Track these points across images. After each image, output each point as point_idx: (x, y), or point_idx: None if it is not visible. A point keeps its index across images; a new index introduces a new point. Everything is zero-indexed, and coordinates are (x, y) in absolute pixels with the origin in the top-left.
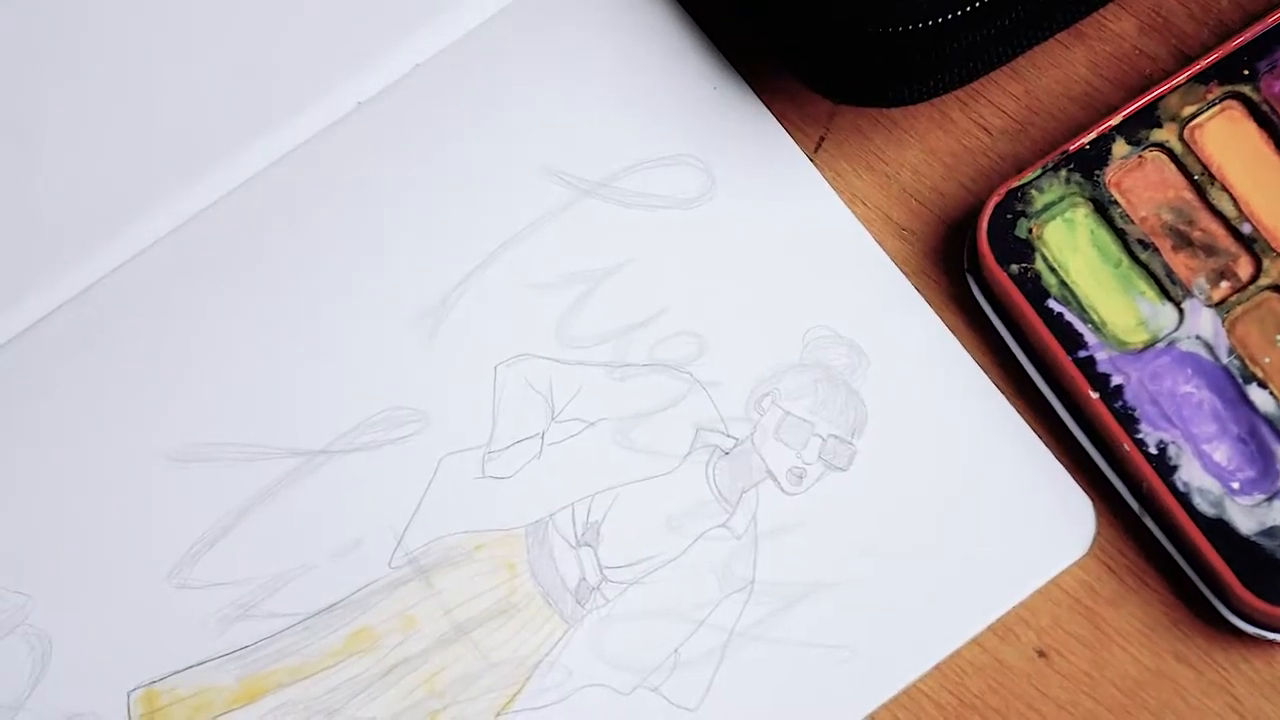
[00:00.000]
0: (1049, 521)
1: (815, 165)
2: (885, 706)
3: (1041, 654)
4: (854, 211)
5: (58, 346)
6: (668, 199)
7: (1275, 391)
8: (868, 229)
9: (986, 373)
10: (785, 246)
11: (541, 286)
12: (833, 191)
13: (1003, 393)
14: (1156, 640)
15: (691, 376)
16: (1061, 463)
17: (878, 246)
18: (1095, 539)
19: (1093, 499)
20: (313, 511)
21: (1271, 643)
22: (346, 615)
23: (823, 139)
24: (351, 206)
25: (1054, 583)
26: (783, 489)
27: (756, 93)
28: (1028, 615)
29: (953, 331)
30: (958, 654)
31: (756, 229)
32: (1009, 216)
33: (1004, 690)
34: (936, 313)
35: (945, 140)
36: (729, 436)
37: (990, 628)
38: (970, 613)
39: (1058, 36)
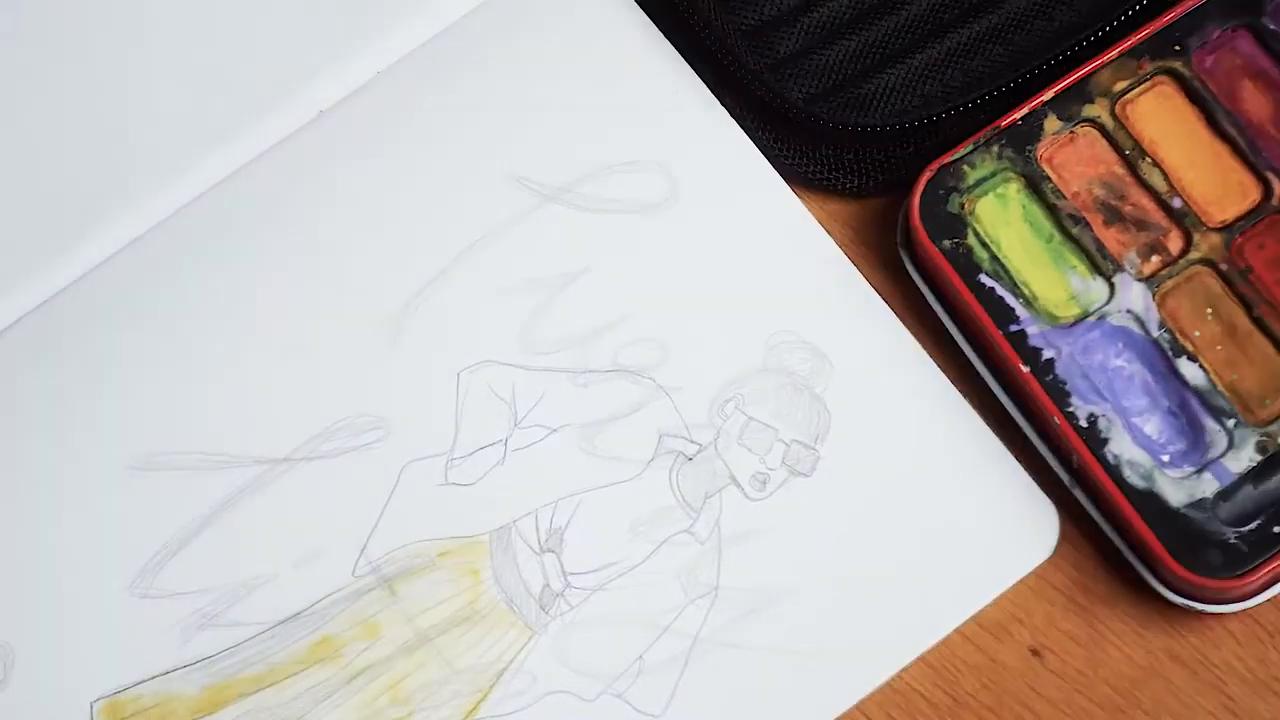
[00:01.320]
0: (1012, 527)
1: (777, 169)
2: (879, 705)
3: (1035, 652)
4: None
5: (17, 356)
6: (630, 204)
7: (1205, 365)
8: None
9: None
10: (748, 251)
11: (504, 292)
12: (794, 196)
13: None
14: (1150, 639)
15: (654, 382)
16: (1020, 461)
17: (840, 251)
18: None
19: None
20: (275, 520)
21: (1263, 641)
22: (310, 624)
23: None
24: (313, 213)
25: (1047, 581)
26: (746, 494)
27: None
28: (1022, 614)
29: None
30: (952, 652)
31: (718, 233)
32: (941, 192)
33: (998, 688)
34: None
35: None
36: (692, 442)
37: (984, 626)
38: (934, 618)
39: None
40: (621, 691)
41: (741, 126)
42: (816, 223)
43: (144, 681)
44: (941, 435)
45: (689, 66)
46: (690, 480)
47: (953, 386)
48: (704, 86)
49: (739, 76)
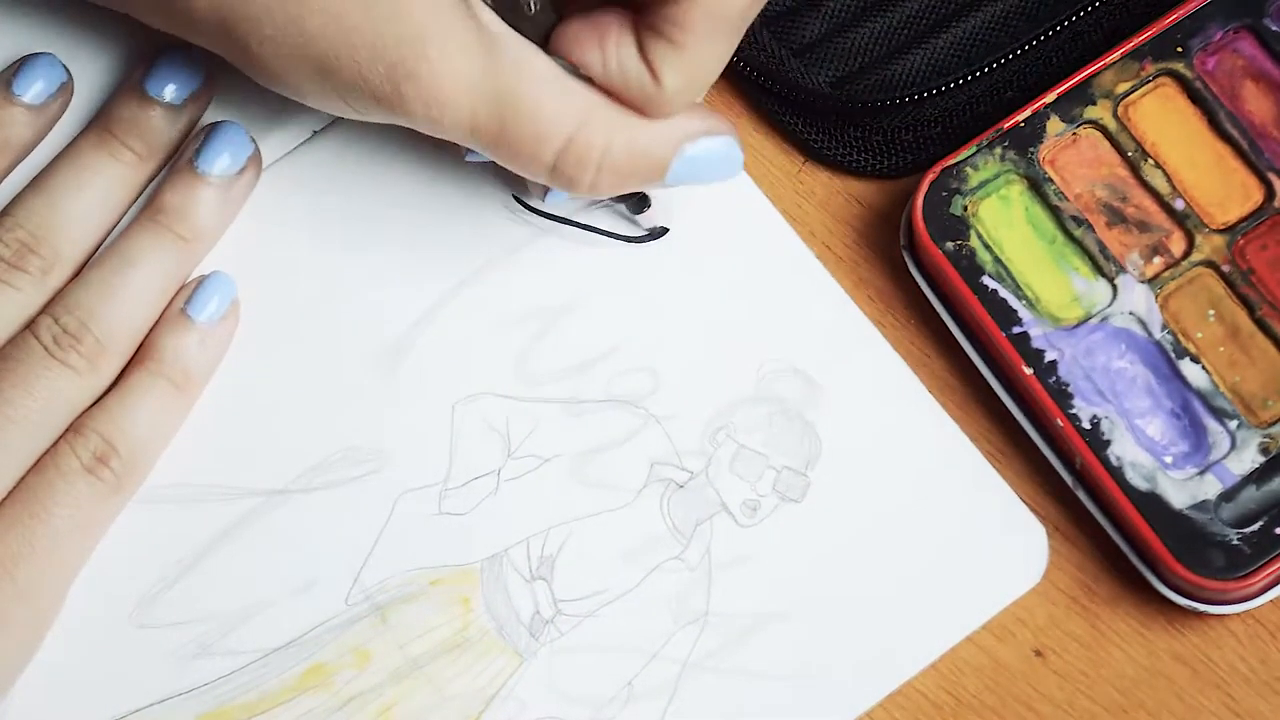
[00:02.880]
0: (1001, 552)
1: (768, 198)
2: (882, 705)
3: (1038, 653)
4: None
5: None
6: (624, 235)
7: (1208, 366)
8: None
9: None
10: (740, 280)
11: (499, 324)
12: (787, 225)
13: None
14: (1153, 639)
15: (646, 411)
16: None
17: (832, 278)
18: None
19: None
20: (272, 550)
21: (1265, 641)
22: (302, 652)
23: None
24: (309, 244)
25: (1050, 582)
26: (737, 521)
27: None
28: (1024, 615)
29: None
30: (954, 653)
31: (711, 263)
32: (944, 194)
33: (1001, 690)
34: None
35: None
36: (683, 470)
37: (987, 627)
38: (923, 643)
39: None
40: (610, 718)
41: (769, 112)
42: (808, 249)
43: (141, 710)
44: (931, 461)
45: None
46: (681, 508)
47: (944, 412)
48: None
49: (765, 63)
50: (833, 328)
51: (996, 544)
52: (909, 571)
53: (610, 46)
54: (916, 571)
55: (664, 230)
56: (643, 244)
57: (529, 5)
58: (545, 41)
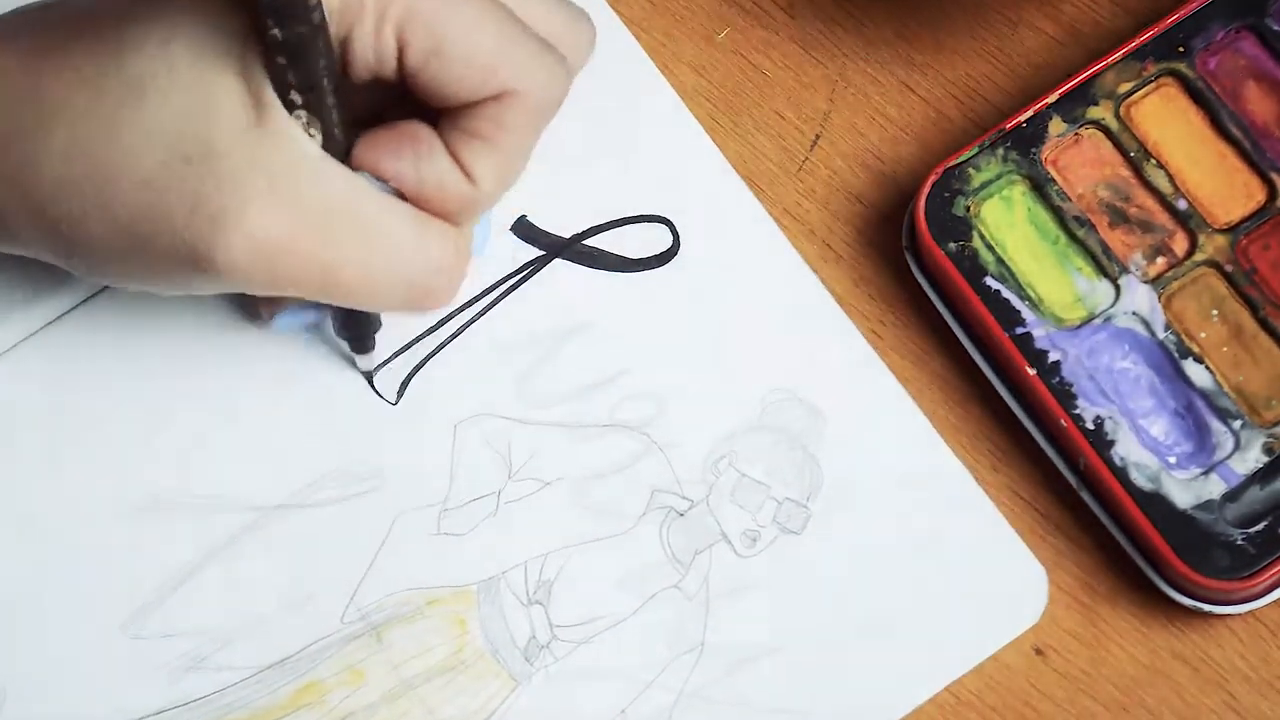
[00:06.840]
0: (1001, 590)
1: (779, 223)
2: None
3: (1039, 652)
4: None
5: (11, 399)
6: (632, 259)
7: (1211, 366)
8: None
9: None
10: (747, 308)
11: (504, 345)
12: (795, 252)
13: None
14: (1153, 637)
15: (649, 438)
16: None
17: (839, 308)
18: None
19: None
20: (268, 566)
21: (1266, 640)
22: (296, 669)
23: (819, 137)
24: None
25: (1051, 581)
26: (736, 551)
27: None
28: None
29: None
30: None
31: (719, 290)
32: (946, 195)
33: (1001, 688)
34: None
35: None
36: (684, 498)
37: None
38: (920, 679)
39: (1058, 38)
40: None
41: None
42: (817, 279)
43: None
44: (933, 497)
45: (690, 115)
46: (681, 536)
47: (947, 447)
48: (706, 138)
49: None
50: (838, 359)
51: (996, 582)
52: (906, 607)
53: (423, 153)
54: (914, 607)
55: (673, 253)
56: (650, 269)
57: (336, 127)
58: (345, 159)
